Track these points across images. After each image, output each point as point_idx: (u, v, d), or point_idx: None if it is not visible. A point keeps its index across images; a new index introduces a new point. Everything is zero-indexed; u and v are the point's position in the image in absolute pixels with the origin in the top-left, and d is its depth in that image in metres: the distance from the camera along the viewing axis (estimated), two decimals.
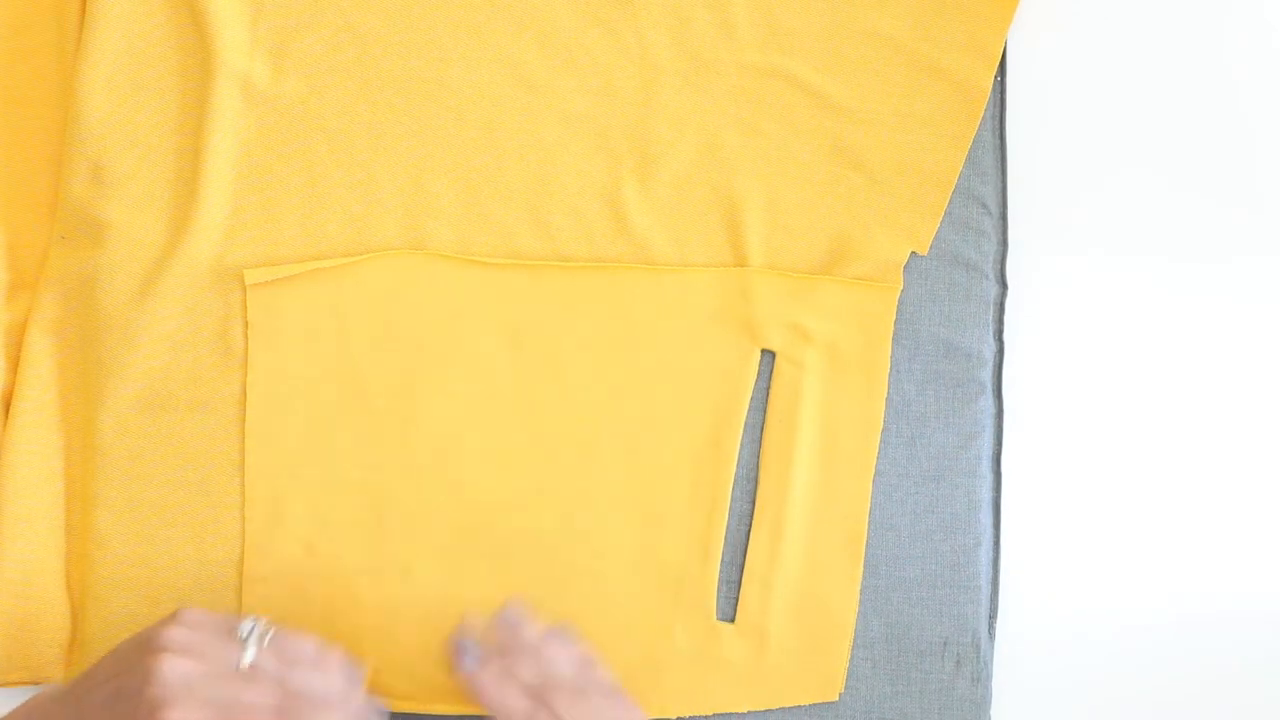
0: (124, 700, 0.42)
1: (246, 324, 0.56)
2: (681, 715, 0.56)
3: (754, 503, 0.57)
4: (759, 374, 0.58)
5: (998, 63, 0.60)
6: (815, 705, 0.56)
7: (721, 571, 0.56)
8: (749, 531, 0.57)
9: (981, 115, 0.59)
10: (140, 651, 0.43)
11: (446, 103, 0.59)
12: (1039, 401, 0.59)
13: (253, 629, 0.45)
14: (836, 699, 0.56)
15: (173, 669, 0.42)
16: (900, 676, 0.57)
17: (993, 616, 0.57)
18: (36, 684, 0.54)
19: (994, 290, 0.59)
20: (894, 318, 0.58)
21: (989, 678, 0.57)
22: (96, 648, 0.54)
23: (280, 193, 0.58)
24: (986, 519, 0.58)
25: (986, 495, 0.58)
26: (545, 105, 0.59)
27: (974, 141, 0.59)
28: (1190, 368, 0.60)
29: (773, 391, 0.57)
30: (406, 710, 0.55)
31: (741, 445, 0.57)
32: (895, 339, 0.58)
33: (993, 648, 0.57)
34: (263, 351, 0.56)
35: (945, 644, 0.57)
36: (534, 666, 0.51)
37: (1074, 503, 0.59)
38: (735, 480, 0.57)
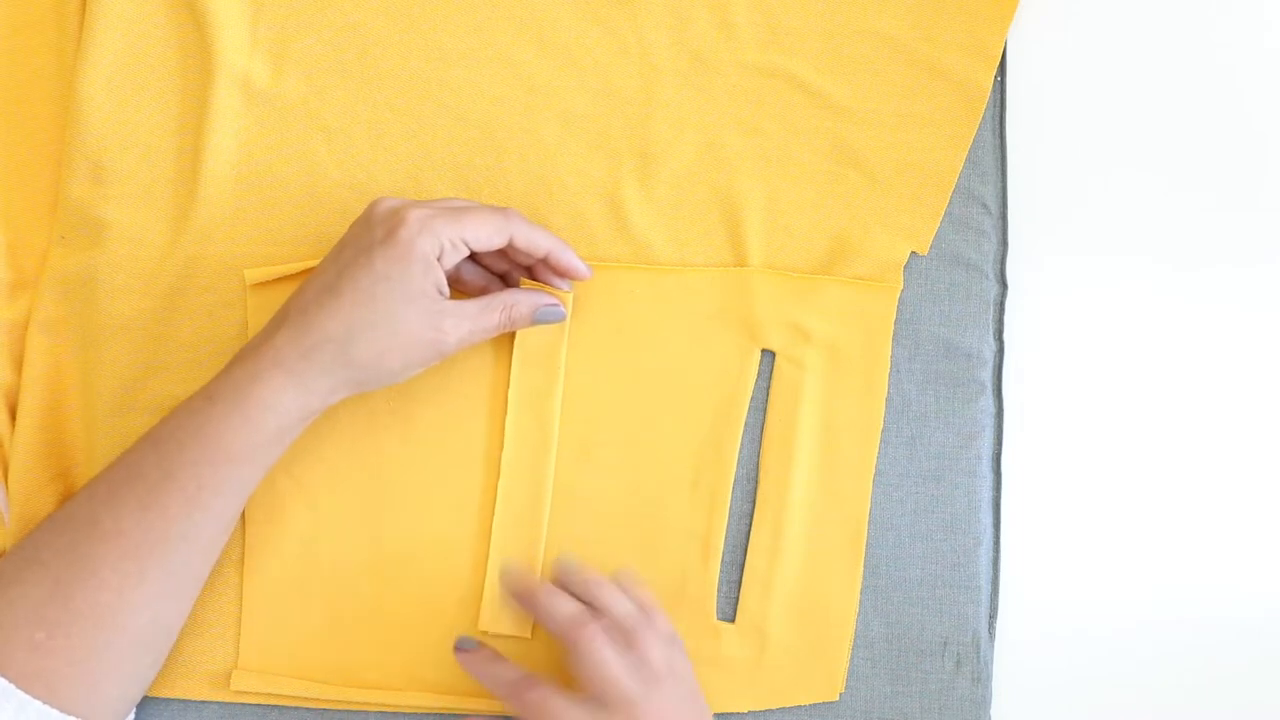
0: (355, 244, 0.50)
1: (246, 323, 0.56)
2: None
3: (754, 503, 0.57)
4: (759, 374, 0.58)
5: (998, 63, 0.60)
6: (815, 705, 0.56)
7: (721, 571, 0.56)
8: (749, 531, 0.57)
9: (981, 115, 0.59)
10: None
11: (446, 103, 0.59)
12: (1039, 401, 0.59)
13: None
14: (836, 699, 0.56)
15: (392, 200, 0.52)
16: (900, 676, 0.57)
17: (993, 616, 0.57)
18: None
19: (994, 290, 0.59)
20: (894, 318, 0.58)
21: (989, 678, 0.57)
22: None
23: (280, 193, 0.58)
24: (986, 519, 0.58)
25: (986, 495, 0.58)
26: (545, 105, 0.59)
27: (974, 141, 0.59)
28: (1191, 368, 0.60)
29: (773, 391, 0.57)
30: (407, 708, 0.55)
31: (741, 445, 0.57)
32: (895, 339, 0.58)
33: (993, 648, 0.57)
34: None
35: (945, 644, 0.57)
36: (590, 599, 0.52)
37: (1074, 503, 0.59)
38: (735, 480, 0.57)
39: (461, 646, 0.54)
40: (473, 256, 0.55)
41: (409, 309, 0.49)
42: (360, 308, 0.49)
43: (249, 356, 0.50)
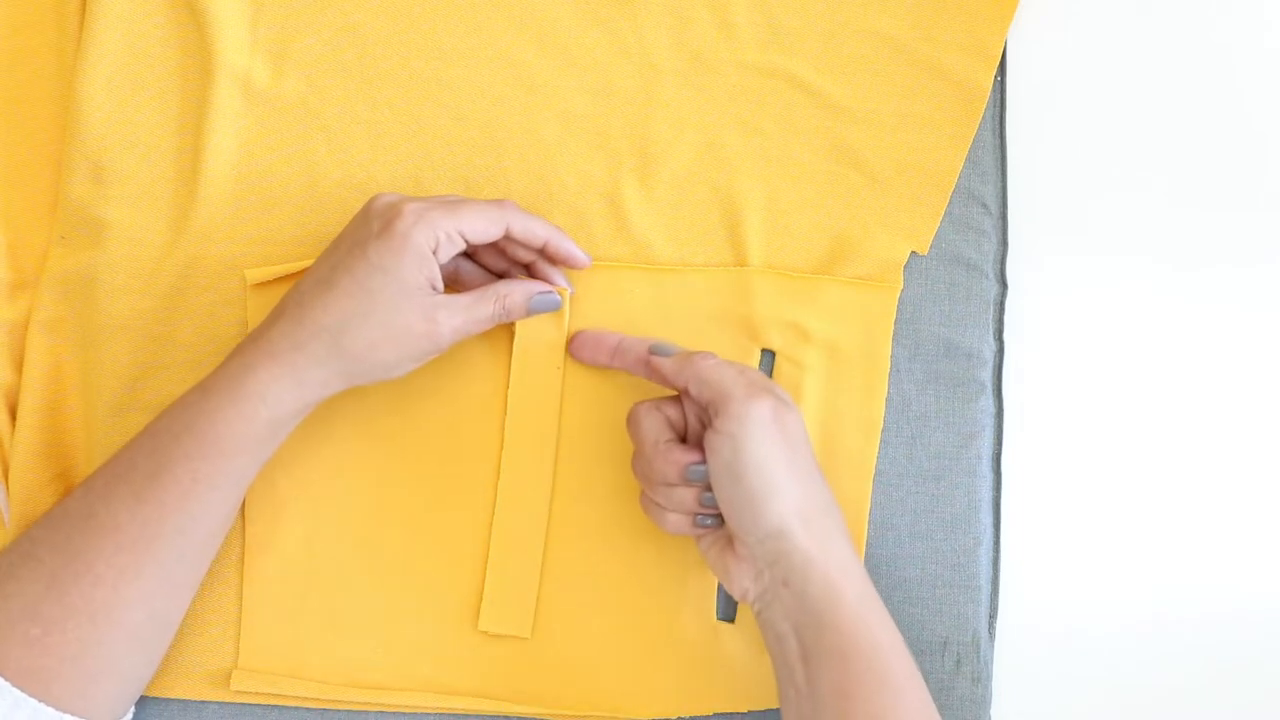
0: (351, 237, 0.50)
1: (246, 323, 0.56)
2: (681, 715, 0.56)
3: None
4: None
5: (998, 63, 0.60)
6: None
7: None
8: None
9: (981, 115, 0.59)
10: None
11: (446, 103, 0.59)
12: (1039, 401, 0.59)
13: None
14: None
15: (390, 196, 0.52)
16: None
17: (993, 616, 0.57)
18: None
19: (994, 290, 0.59)
20: (894, 317, 0.58)
21: (989, 678, 0.57)
22: None
23: (280, 193, 0.58)
24: (986, 519, 0.58)
25: (986, 495, 0.58)
26: (545, 105, 0.59)
27: (974, 141, 0.59)
28: (1190, 368, 0.60)
29: None
30: (407, 708, 0.55)
31: None
32: (895, 339, 0.58)
33: (993, 648, 0.57)
34: None
35: (945, 644, 0.57)
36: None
37: (1074, 503, 0.59)
38: None
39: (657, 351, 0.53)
40: (471, 256, 0.55)
41: (402, 300, 0.49)
42: (353, 299, 0.49)
43: (244, 349, 0.50)
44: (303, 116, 0.58)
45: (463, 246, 0.51)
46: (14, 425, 0.55)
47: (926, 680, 0.56)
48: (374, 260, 0.49)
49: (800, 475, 0.49)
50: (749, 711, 0.56)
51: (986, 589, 0.57)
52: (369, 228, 0.50)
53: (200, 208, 0.57)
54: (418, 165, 0.58)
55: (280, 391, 0.49)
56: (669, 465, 0.51)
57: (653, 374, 0.53)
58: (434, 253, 0.50)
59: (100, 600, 0.47)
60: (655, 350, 0.53)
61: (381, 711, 0.56)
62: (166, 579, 0.49)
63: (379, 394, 0.56)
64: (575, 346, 0.56)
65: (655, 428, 0.52)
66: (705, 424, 0.51)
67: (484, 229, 0.51)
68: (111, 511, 0.48)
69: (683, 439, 0.52)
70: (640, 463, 0.52)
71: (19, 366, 0.56)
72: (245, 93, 0.58)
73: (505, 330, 0.56)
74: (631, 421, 0.53)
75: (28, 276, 0.57)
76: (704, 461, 0.50)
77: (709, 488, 0.50)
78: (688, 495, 0.51)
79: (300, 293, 0.50)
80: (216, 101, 0.57)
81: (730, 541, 0.50)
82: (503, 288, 0.53)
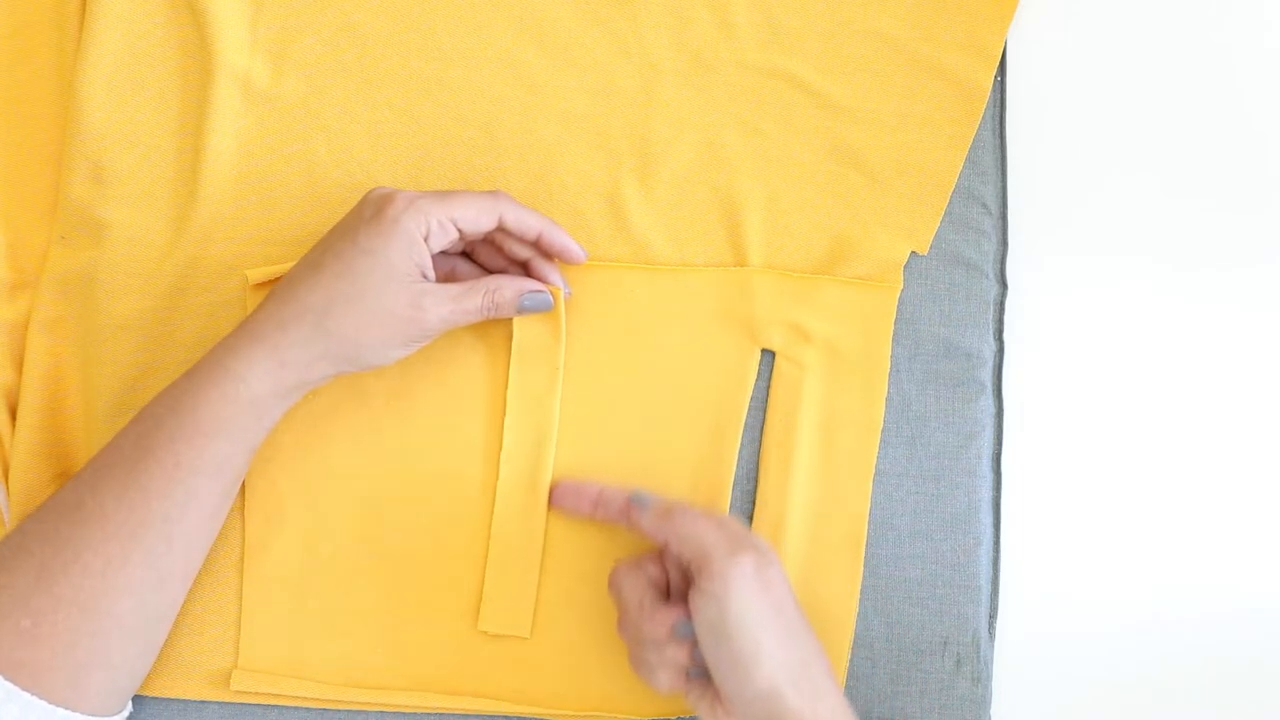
0: (344, 224, 0.51)
1: None
2: (682, 715, 0.56)
3: (754, 503, 0.57)
4: (759, 374, 0.58)
5: (998, 63, 0.60)
6: None
7: None
8: None
9: (981, 115, 0.59)
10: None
11: (446, 103, 0.59)
12: (1039, 401, 0.59)
13: None
14: None
15: (388, 189, 0.51)
16: (900, 676, 0.57)
17: (993, 616, 0.57)
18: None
19: (994, 290, 0.59)
20: (894, 318, 0.58)
21: (989, 678, 0.57)
22: None
23: (280, 193, 0.58)
24: (986, 519, 0.58)
25: (986, 495, 0.58)
26: (545, 105, 0.59)
27: (974, 141, 0.59)
28: (1190, 368, 0.60)
29: (773, 391, 0.57)
30: (407, 708, 0.55)
31: (741, 445, 0.57)
32: (895, 339, 0.58)
33: (993, 648, 0.57)
34: None
35: (945, 644, 0.57)
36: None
37: (1074, 503, 0.59)
38: (735, 480, 0.57)
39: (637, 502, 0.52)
40: (469, 255, 0.55)
41: (389, 284, 0.49)
42: (340, 280, 0.49)
43: (230, 333, 0.50)
44: (303, 116, 0.58)
45: (455, 235, 0.51)
46: (14, 425, 0.56)
47: (926, 680, 0.57)
48: (363, 244, 0.49)
49: (786, 632, 0.48)
50: None
51: (986, 589, 0.57)
52: (361, 214, 0.50)
53: (200, 208, 0.57)
54: (418, 165, 0.58)
55: (261, 371, 0.49)
56: (656, 625, 0.50)
57: (633, 526, 0.52)
58: (425, 239, 0.50)
59: (89, 590, 0.47)
60: (634, 502, 0.52)
61: (381, 711, 0.56)
62: (155, 569, 0.48)
63: (379, 395, 0.56)
64: (556, 497, 0.55)
65: (638, 589, 0.51)
66: (687, 579, 0.51)
67: (476, 217, 0.51)
68: (99, 500, 0.48)
69: (666, 594, 0.52)
70: (626, 625, 0.52)
71: (19, 366, 0.56)
72: (245, 93, 0.58)
73: (504, 331, 0.56)
74: (613, 585, 0.52)
75: (28, 276, 0.57)
76: (690, 617, 0.49)
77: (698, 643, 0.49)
78: (679, 652, 0.50)
79: (290, 277, 0.51)
80: (216, 101, 0.57)
81: (720, 695, 0.49)
82: (493, 282, 0.53)
